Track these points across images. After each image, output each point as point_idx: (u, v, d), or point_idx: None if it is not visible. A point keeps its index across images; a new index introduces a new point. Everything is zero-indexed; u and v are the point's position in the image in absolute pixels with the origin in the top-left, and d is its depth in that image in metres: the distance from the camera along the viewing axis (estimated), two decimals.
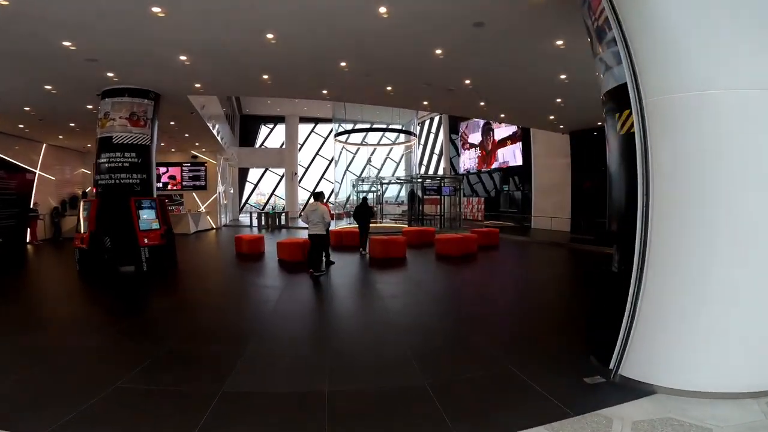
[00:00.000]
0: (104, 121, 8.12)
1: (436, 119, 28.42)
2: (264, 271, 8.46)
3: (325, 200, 8.09)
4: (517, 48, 6.76)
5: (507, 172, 22.01)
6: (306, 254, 7.80)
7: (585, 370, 3.33)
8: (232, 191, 23.64)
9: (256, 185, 28.42)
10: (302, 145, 28.72)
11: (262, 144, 28.12)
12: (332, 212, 9.92)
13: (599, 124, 13.29)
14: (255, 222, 19.26)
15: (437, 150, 28.62)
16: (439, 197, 19.18)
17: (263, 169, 28.01)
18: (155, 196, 8.54)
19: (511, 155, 21.13)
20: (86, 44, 6.45)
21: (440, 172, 26.67)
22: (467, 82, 8.69)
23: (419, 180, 17.47)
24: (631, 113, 2.83)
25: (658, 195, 2.72)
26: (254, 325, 4.79)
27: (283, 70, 8.01)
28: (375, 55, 7.18)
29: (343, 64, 7.54)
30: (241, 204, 27.43)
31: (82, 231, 8.07)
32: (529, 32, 6.11)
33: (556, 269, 8.98)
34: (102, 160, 8.02)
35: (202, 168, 18.49)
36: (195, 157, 18.36)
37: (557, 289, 6.89)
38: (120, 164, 7.96)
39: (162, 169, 18.23)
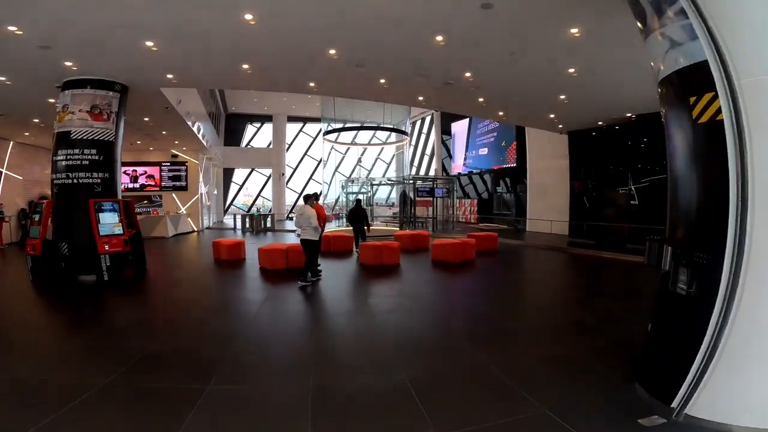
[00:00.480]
0: (62, 115, 7.24)
1: (428, 119, 27.82)
2: (242, 281, 7.66)
3: (317, 201, 7.36)
4: (526, 35, 6.10)
5: (499, 173, 21.48)
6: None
7: (634, 408, 2.71)
8: (216, 192, 22.69)
9: (241, 186, 27.49)
10: (290, 145, 27.89)
11: (248, 143, 27.21)
12: (326, 214, 9.23)
13: (600, 123, 12.77)
14: (239, 224, 18.34)
15: (428, 151, 28.02)
16: (431, 199, 18.54)
17: (249, 170, 27.10)
18: (120, 197, 7.66)
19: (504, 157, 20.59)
20: (33, 29, 5.66)
21: (432, 173, 26.06)
22: (468, 74, 8.02)
23: (411, 181, 16.79)
24: (716, 97, 2.16)
25: (760, 199, 2.04)
26: (223, 351, 4.01)
27: (265, 58, 7.24)
28: (368, 41, 6.47)
29: (332, 51, 6.81)
30: (226, 205, 26.46)
31: (36, 235, 7.18)
32: (542, 17, 5.46)
33: (565, 278, 8.36)
34: (59, 158, 7.13)
35: (183, 168, 17.54)
36: (175, 156, 17.40)
37: (574, 303, 6.23)
38: (79, 162, 7.08)
39: (140, 169, 17.26)
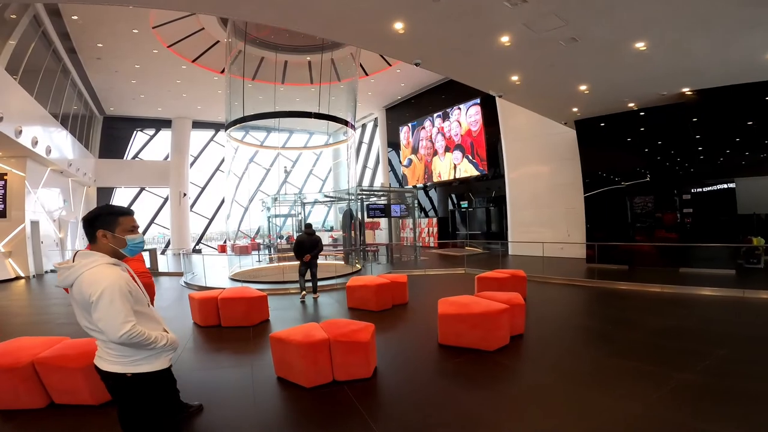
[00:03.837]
0: None
1: (370, 125, 23.39)
2: None
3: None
4: None
5: (462, 184, 17.45)
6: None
7: None
8: (76, 220, 15.91)
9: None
10: (196, 158, 21.78)
11: (136, 155, 20.64)
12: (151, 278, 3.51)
13: (631, 105, 8.99)
14: None
15: (371, 164, 23.48)
16: (387, 219, 13.83)
17: (138, 189, 20.44)
18: None
19: (467, 163, 16.62)
20: None
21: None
22: None
23: (359, 197, 11.91)
24: None
25: None
26: None
27: None
28: None
29: None
30: None
31: None
32: None
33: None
34: None
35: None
36: None
37: None
38: None
39: None
